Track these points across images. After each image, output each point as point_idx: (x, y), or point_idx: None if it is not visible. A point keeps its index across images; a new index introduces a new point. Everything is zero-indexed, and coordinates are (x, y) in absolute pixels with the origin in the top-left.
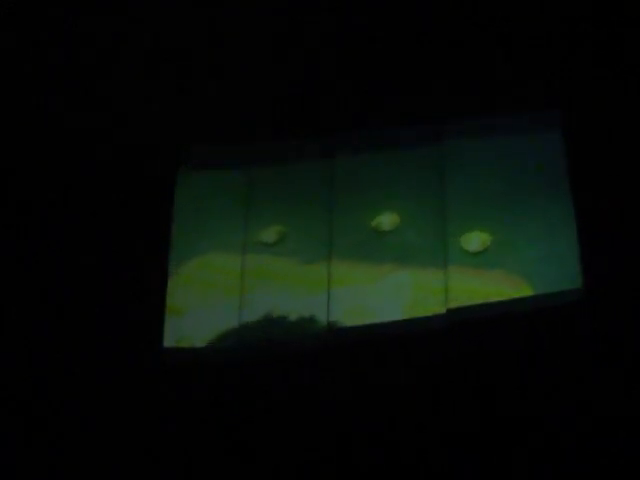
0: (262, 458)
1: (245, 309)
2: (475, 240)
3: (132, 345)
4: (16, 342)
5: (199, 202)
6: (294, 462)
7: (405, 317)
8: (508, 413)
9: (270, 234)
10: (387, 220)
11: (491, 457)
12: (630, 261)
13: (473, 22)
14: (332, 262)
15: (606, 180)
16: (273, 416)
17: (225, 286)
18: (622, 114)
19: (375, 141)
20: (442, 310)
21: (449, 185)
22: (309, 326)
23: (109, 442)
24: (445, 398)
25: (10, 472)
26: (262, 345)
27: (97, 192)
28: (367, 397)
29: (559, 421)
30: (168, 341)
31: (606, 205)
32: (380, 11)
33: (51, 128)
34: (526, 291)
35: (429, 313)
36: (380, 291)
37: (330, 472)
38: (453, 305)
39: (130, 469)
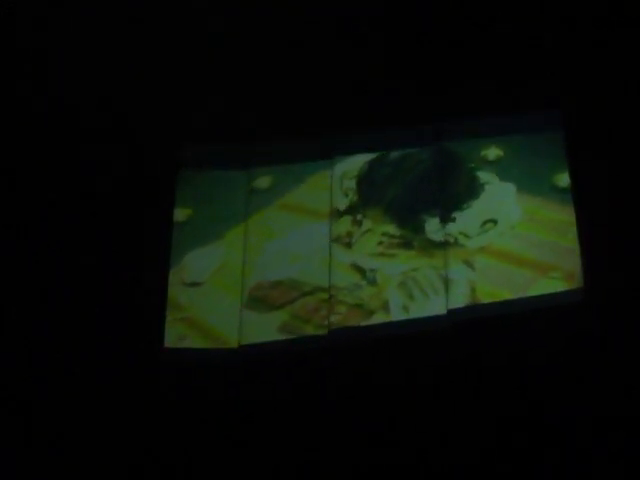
0: (262, 457)
1: None
2: (565, 179)
3: (132, 345)
4: (16, 342)
5: None
6: (294, 461)
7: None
8: (509, 412)
9: None
10: (492, 153)
11: (491, 456)
12: (631, 262)
13: (473, 22)
14: None
15: (607, 182)
16: (273, 416)
17: None
18: (623, 114)
19: (375, 141)
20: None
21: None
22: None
23: (109, 441)
24: (446, 398)
25: (10, 472)
26: (263, 346)
27: (97, 192)
28: (368, 397)
29: (559, 420)
30: None
31: (607, 206)
32: (380, 11)
33: (51, 128)
34: None
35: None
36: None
37: (330, 472)
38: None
39: (130, 468)
